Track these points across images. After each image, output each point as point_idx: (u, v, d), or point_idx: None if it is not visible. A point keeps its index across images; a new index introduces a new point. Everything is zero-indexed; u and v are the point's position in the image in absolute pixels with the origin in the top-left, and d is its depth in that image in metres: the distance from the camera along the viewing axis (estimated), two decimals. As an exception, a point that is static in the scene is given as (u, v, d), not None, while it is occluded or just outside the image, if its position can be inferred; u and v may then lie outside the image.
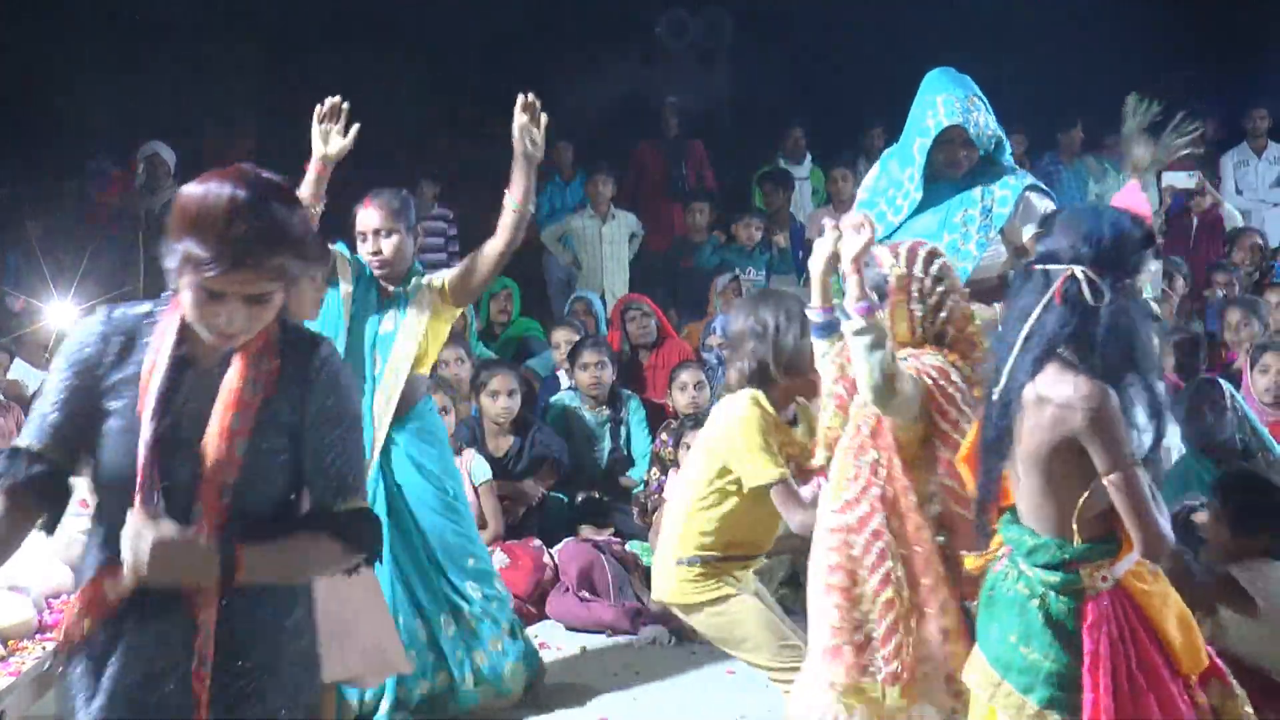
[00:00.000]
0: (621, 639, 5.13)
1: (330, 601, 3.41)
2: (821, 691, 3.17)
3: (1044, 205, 4.15)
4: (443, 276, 4.16)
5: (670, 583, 3.58)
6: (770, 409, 3.49)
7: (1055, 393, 2.51)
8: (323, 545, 2.21)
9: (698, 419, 5.31)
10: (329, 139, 3.92)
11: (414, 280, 4.14)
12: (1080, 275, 2.53)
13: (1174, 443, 5.02)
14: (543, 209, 9.44)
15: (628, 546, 5.59)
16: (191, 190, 2.09)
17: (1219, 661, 2.73)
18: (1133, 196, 3.55)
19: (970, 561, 2.85)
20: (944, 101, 4.08)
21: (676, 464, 5.45)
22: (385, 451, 4.11)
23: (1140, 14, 9.20)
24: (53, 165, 9.26)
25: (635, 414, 6.40)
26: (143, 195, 8.40)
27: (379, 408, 4.07)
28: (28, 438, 2.18)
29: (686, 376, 6.03)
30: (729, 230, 8.85)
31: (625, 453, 6.36)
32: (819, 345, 3.27)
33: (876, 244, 3.17)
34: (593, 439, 6.36)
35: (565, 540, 5.66)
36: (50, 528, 2.23)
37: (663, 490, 5.43)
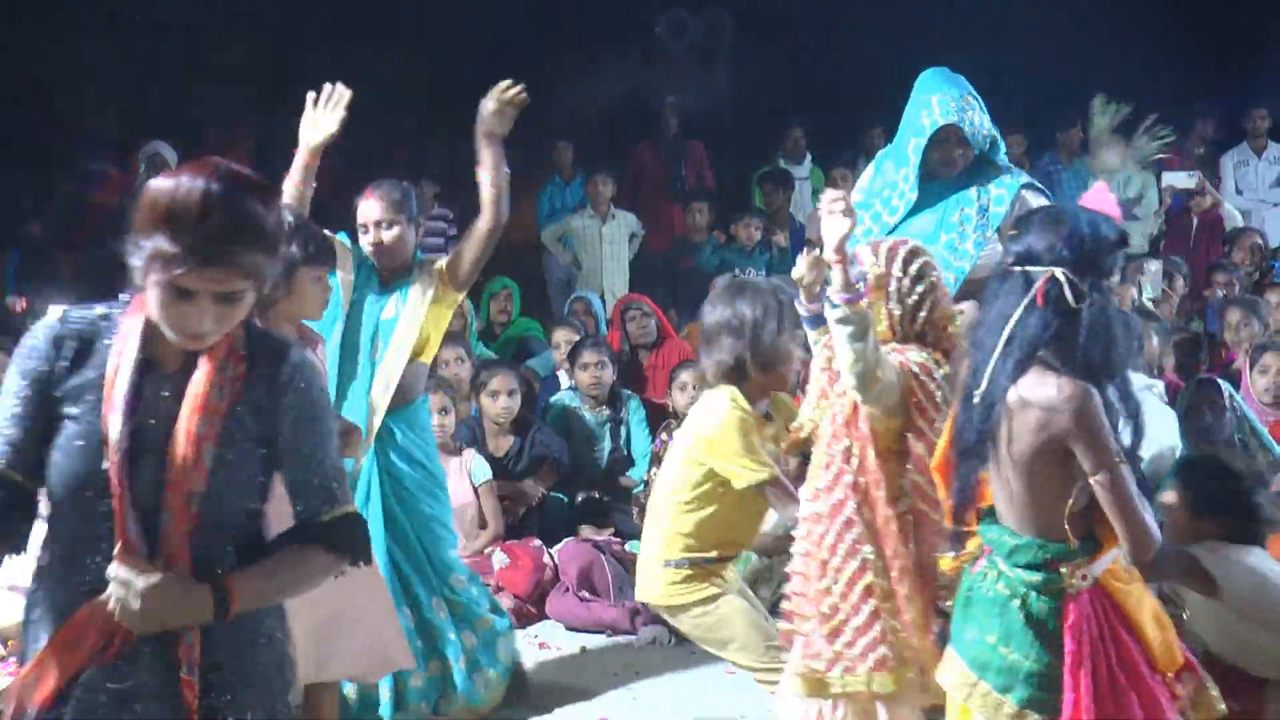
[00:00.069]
0: (621, 639, 5.13)
1: (332, 600, 3.44)
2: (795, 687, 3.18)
3: (1039, 204, 4.15)
4: (440, 260, 4.18)
5: (657, 585, 3.58)
6: (748, 406, 3.48)
7: (1039, 395, 2.51)
8: (313, 558, 2.17)
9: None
10: (315, 126, 3.91)
11: (415, 269, 4.15)
12: (1061, 277, 2.52)
13: (1173, 441, 5.02)
14: (543, 209, 9.46)
15: (628, 546, 5.59)
16: (162, 184, 2.01)
17: (1190, 654, 2.74)
18: (1101, 198, 3.55)
19: (946, 563, 2.85)
20: (939, 101, 4.08)
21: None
22: (380, 438, 4.11)
23: (1140, 14, 9.20)
24: (53, 165, 9.26)
25: (635, 414, 6.40)
26: (143, 195, 8.40)
27: (378, 393, 4.07)
28: None
29: (686, 376, 6.02)
30: (729, 230, 8.85)
31: (625, 453, 6.37)
32: (811, 335, 3.27)
33: (861, 244, 3.17)
34: (593, 439, 6.36)
35: (565, 540, 5.66)
36: (20, 548, 2.13)
37: (663, 490, 5.43)
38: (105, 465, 2.02)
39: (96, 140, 9.41)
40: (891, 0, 10.01)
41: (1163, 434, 5.17)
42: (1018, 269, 2.59)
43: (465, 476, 5.63)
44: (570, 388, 6.57)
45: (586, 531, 5.84)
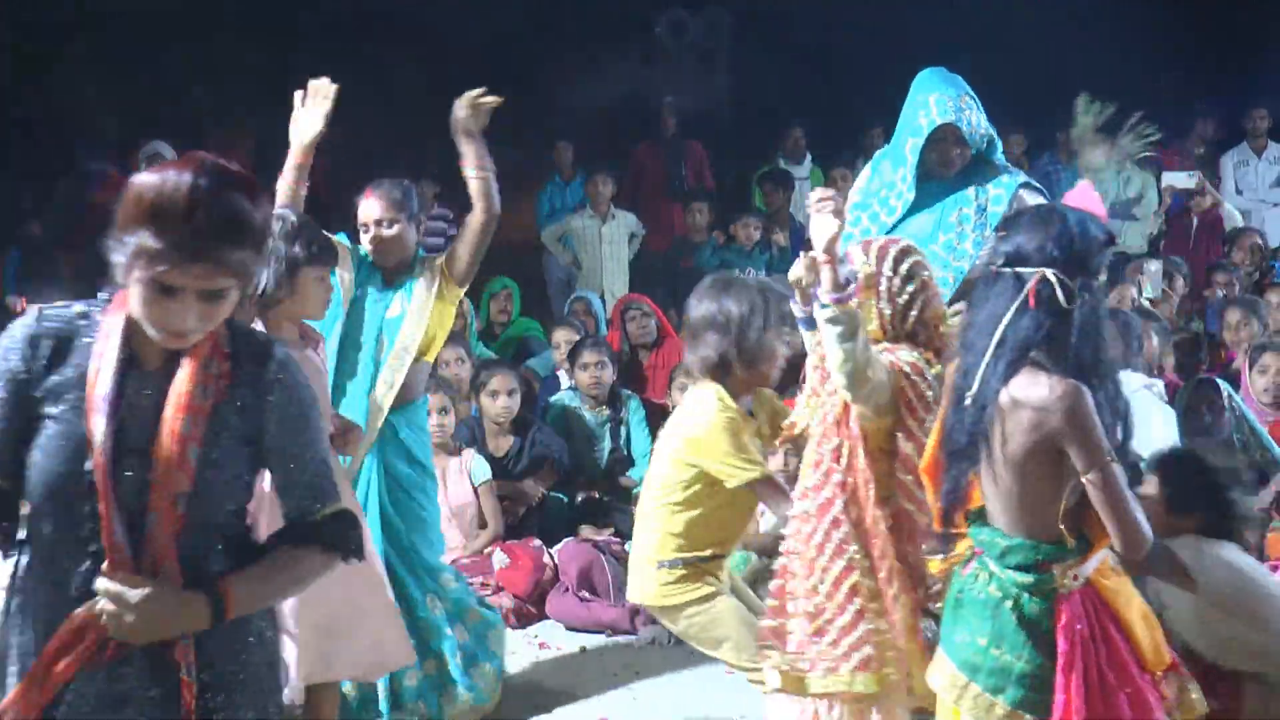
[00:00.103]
0: (621, 639, 5.13)
1: (335, 599, 3.45)
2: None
3: (1037, 203, 4.15)
4: (440, 255, 4.19)
5: (651, 586, 3.57)
6: (734, 404, 3.48)
7: (1031, 395, 2.52)
8: (307, 558, 2.16)
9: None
10: (303, 125, 3.90)
11: (417, 266, 4.16)
12: (1053, 278, 2.52)
13: (1173, 440, 5.02)
14: (543, 209, 9.47)
15: (627, 546, 5.58)
16: (147, 179, 1.97)
17: (1172, 653, 2.75)
18: (1086, 197, 3.56)
19: (935, 565, 2.85)
20: (936, 100, 4.08)
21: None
22: (382, 437, 4.11)
23: (1140, 14, 9.21)
24: (53, 165, 9.26)
25: (635, 414, 6.40)
26: (143, 195, 8.40)
27: (381, 391, 4.08)
28: None
29: (686, 377, 6.03)
30: (728, 230, 8.86)
31: (625, 453, 6.37)
32: (806, 337, 3.26)
33: (853, 243, 3.17)
34: (593, 439, 6.36)
35: (565, 540, 5.66)
36: (3, 551, 2.12)
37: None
38: (88, 466, 1.99)
39: (96, 140, 9.41)
40: (891, 0, 10.01)
41: (1162, 432, 5.17)
42: (1008, 270, 2.58)
43: (465, 476, 5.63)
44: (570, 388, 6.57)
45: (586, 531, 5.84)
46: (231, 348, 2.11)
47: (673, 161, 9.99)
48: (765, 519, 4.87)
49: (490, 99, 4.04)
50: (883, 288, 3.14)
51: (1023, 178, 4.22)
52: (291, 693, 3.44)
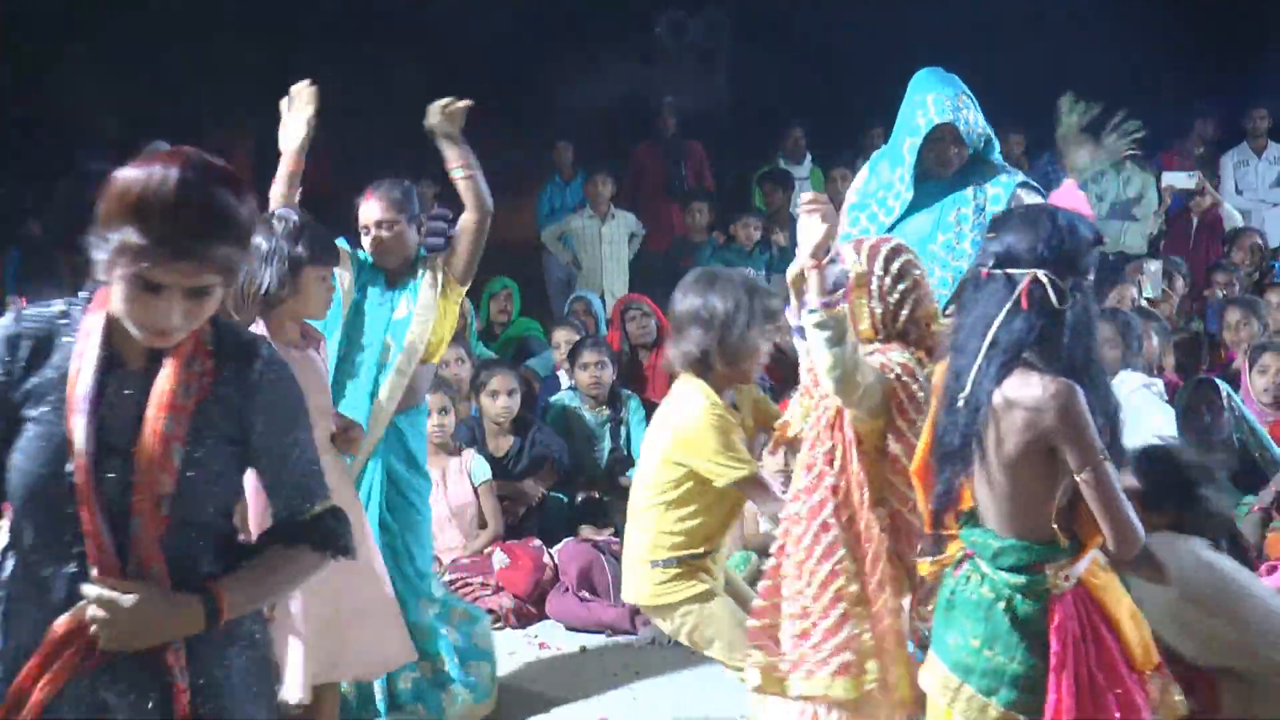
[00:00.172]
0: (621, 639, 5.14)
1: (338, 599, 3.47)
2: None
3: (1027, 204, 4.14)
4: (441, 254, 4.20)
5: (646, 585, 3.56)
6: (719, 399, 3.47)
7: (1024, 395, 2.52)
8: (299, 558, 2.13)
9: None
10: (289, 131, 3.90)
11: (420, 267, 4.17)
12: (1044, 278, 2.52)
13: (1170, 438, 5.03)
14: (543, 209, 9.47)
15: (627, 546, 5.59)
16: (131, 174, 1.93)
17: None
18: (1071, 197, 3.54)
19: (925, 568, 2.85)
20: (934, 100, 4.07)
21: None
22: (387, 439, 4.12)
23: (1140, 14, 9.21)
24: (53, 165, 9.26)
25: (635, 414, 6.40)
26: (143, 195, 8.40)
27: (387, 392, 4.08)
28: None
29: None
30: (728, 230, 8.86)
31: (625, 453, 6.36)
32: (799, 344, 3.26)
33: (843, 241, 3.17)
34: (593, 439, 6.36)
35: (565, 540, 5.66)
36: None
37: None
38: (69, 468, 1.95)
39: (96, 140, 9.41)
40: (891, 0, 10.01)
41: (1162, 431, 5.17)
42: (998, 272, 2.58)
43: (465, 476, 5.63)
44: (570, 388, 6.57)
45: (586, 531, 5.84)
46: (216, 346, 2.07)
47: (673, 161, 9.99)
48: (768, 519, 4.87)
49: (461, 103, 4.03)
50: (874, 286, 3.13)
51: (1021, 177, 4.22)
52: (298, 692, 3.45)
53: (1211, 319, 7.22)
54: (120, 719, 2.00)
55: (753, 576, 4.59)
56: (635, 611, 5.13)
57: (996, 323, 2.54)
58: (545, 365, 7.32)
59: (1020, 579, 2.58)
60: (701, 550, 3.53)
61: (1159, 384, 5.58)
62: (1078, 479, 2.51)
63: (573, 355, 6.44)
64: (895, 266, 3.14)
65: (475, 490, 5.63)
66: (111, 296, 1.96)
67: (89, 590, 1.93)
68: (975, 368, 2.55)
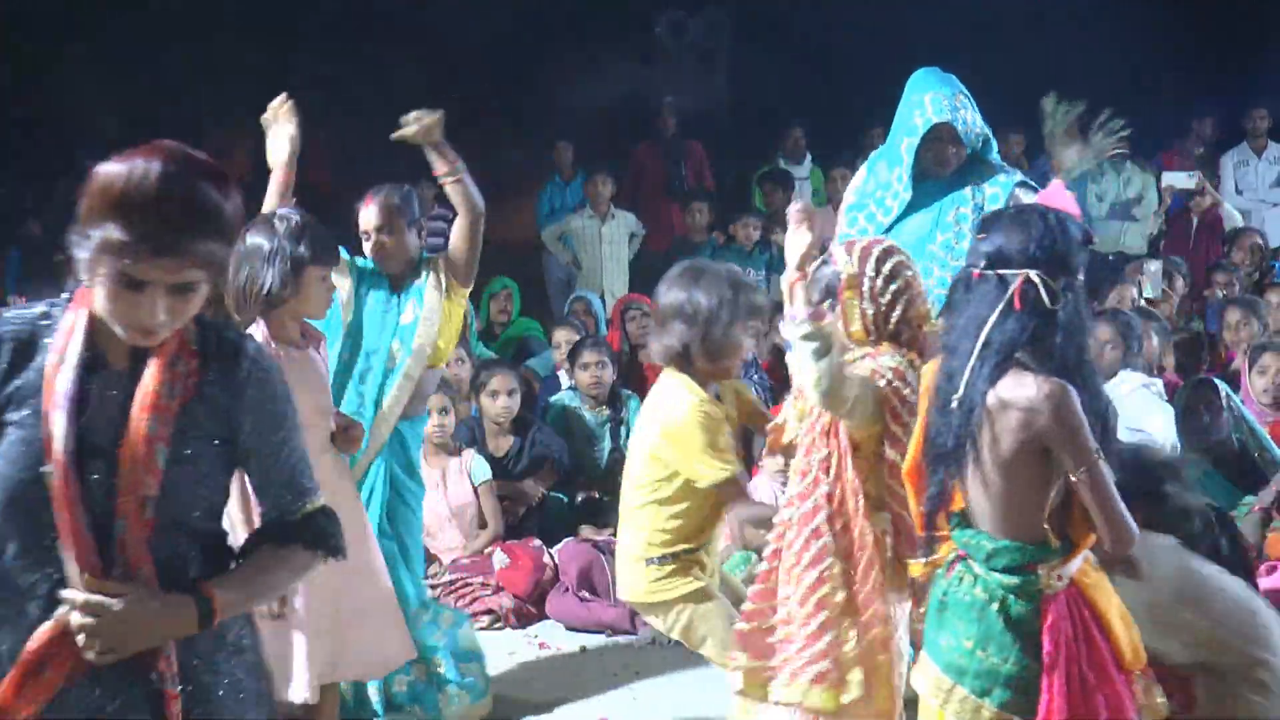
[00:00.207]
0: (621, 639, 5.14)
1: (341, 600, 3.47)
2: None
3: (1017, 204, 4.14)
4: (441, 255, 4.20)
5: (641, 583, 3.55)
6: (705, 394, 3.46)
7: (1018, 396, 2.52)
8: (291, 557, 2.10)
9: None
10: (274, 145, 3.90)
11: (423, 269, 4.17)
12: (1036, 279, 2.52)
13: (1172, 436, 5.03)
14: (543, 209, 9.47)
15: (627, 546, 5.59)
16: (113, 168, 1.88)
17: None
18: (1059, 197, 3.54)
19: (916, 569, 2.85)
20: (931, 99, 4.07)
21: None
22: (391, 444, 4.13)
23: (1140, 14, 9.21)
24: (53, 165, 9.27)
25: (635, 414, 6.38)
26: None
27: (394, 396, 4.09)
28: None
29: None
30: (728, 230, 8.86)
31: (625, 453, 6.35)
32: (789, 356, 3.26)
33: (836, 244, 3.17)
34: (593, 439, 6.36)
35: (565, 540, 5.66)
36: None
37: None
38: (48, 469, 1.89)
39: (96, 140, 9.41)
40: (891, 1, 10.01)
41: (1161, 430, 5.18)
42: (990, 272, 2.58)
43: (465, 476, 5.63)
44: (570, 388, 6.57)
45: (586, 531, 5.84)
46: (200, 345, 2.02)
47: (673, 161, 9.99)
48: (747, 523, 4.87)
49: (430, 116, 4.00)
50: (865, 288, 3.12)
51: (1019, 176, 4.22)
52: (305, 692, 3.46)
53: (1211, 319, 7.22)
54: None
55: (751, 577, 4.60)
56: (635, 612, 5.13)
57: (989, 323, 2.54)
58: (545, 365, 7.32)
59: (1013, 580, 2.58)
60: (695, 544, 3.53)
61: (1158, 384, 5.59)
62: (1073, 479, 2.52)
63: (573, 355, 6.44)
64: (887, 268, 3.14)
65: (475, 490, 5.63)
66: (94, 295, 1.91)
67: (72, 596, 1.88)
68: (969, 369, 2.55)
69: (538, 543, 5.59)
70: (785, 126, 9.97)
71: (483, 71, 10.14)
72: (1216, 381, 4.93)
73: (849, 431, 3.08)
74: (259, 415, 2.05)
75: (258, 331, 3.45)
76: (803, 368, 2.92)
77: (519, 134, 10.25)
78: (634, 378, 6.96)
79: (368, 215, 4.13)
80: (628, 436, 6.36)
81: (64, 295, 2.02)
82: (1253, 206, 9.48)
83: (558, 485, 6.12)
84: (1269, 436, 4.88)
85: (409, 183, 4.37)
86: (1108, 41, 9.14)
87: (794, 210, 3.01)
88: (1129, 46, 9.24)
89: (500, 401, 5.95)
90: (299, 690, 3.44)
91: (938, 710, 2.66)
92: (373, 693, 4.07)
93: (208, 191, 1.89)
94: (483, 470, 5.66)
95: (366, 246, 4.16)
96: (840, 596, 3.06)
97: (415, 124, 4.02)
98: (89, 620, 1.87)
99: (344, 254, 4.15)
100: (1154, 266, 7.51)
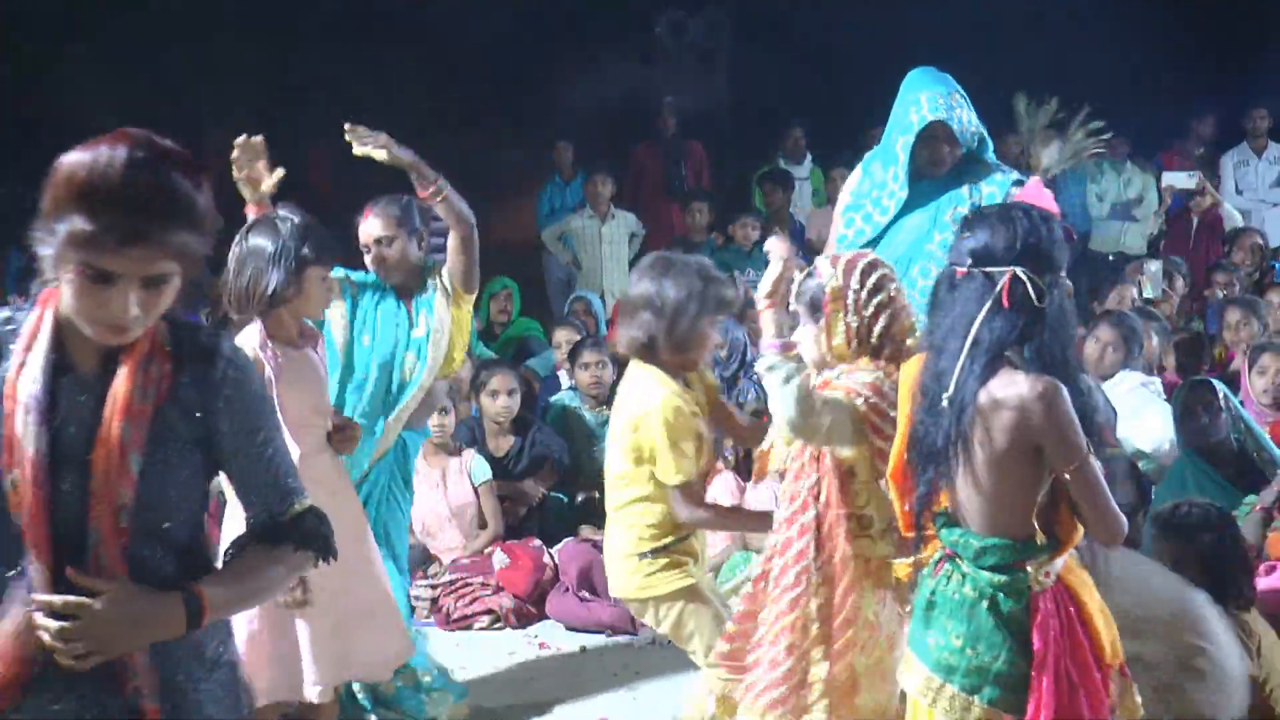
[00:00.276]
0: (621, 639, 5.14)
1: (344, 601, 3.48)
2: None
3: (997, 203, 4.13)
4: (442, 264, 4.20)
5: (634, 578, 3.55)
6: (676, 386, 3.46)
7: (1009, 394, 2.52)
8: (283, 559, 2.03)
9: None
10: (253, 180, 3.85)
11: (428, 280, 4.16)
12: (1024, 276, 2.53)
13: (1171, 435, 5.03)
14: (543, 209, 9.47)
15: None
16: (77, 157, 1.80)
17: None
18: (1037, 193, 3.53)
19: (902, 569, 2.85)
20: (927, 98, 4.07)
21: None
22: (394, 452, 4.16)
23: (1140, 14, 9.21)
24: (53, 165, 9.27)
25: (635, 414, 6.40)
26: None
27: (404, 408, 4.11)
28: None
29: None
30: (726, 231, 8.86)
31: (624, 452, 6.36)
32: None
33: (822, 256, 3.20)
34: (593, 439, 6.36)
35: (565, 540, 5.66)
36: None
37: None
38: (14, 477, 1.83)
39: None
40: (891, 1, 10.01)
41: (1159, 428, 5.18)
42: (976, 270, 2.58)
43: (465, 476, 5.64)
44: (570, 388, 6.58)
45: (586, 531, 5.84)
46: (173, 346, 1.94)
47: (673, 161, 10.00)
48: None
49: (373, 136, 3.90)
50: (849, 300, 3.12)
51: (1016, 175, 4.21)
52: (316, 690, 3.47)
53: (1211, 319, 7.22)
54: None
55: (749, 580, 4.60)
56: (635, 612, 5.13)
57: (978, 321, 2.55)
58: (545, 365, 7.32)
59: (1002, 577, 2.59)
60: (685, 531, 3.54)
61: (1156, 382, 5.59)
62: (1064, 475, 2.52)
63: (573, 355, 6.44)
64: (871, 280, 3.14)
65: (475, 490, 5.63)
66: (61, 294, 1.85)
67: (48, 598, 1.81)
68: (959, 367, 2.55)
69: (538, 543, 5.60)
70: (785, 126, 9.98)
71: (483, 71, 10.14)
72: (1214, 382, 4.92)
73: (839, 457, 3.08)
74: (238, 417, 1.98)
75: (255, 331, 3.45)
76: (771, 398, 2.95)
77: (519, 134, 10.25)
78: (634, 378, 6.95)
79: (368, 227, 4.13)
80: (628, 436, 6.37)
81: (30, 298, 1.96)
82: (1253, 206, 9.48)
83: (558, 485, 6.12)
84: (1268, 436, 4.88)
85: (406, 186, 4.36)
86: (1108, 41, 9.14)
87: (775, 243, 3.04)
88: (1129, 46, 9.23)
89: (500, 401, 5.95)
90: (312, 691, 3.46)
91: (927, 709, 2.67)
92: (358, 687, 4.09)
93: (177, 179, 1.81)
94: (483, 470, 5.67)
95: (368, 258, 4.15)
96: (815, 628, 3.07)
97: (370, 139, 3.93)
98: (66, 623, 1.80)
99: (339, 273, 4.10)
100: (1154, 266, 7.52)
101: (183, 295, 1.92)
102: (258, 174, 3.85)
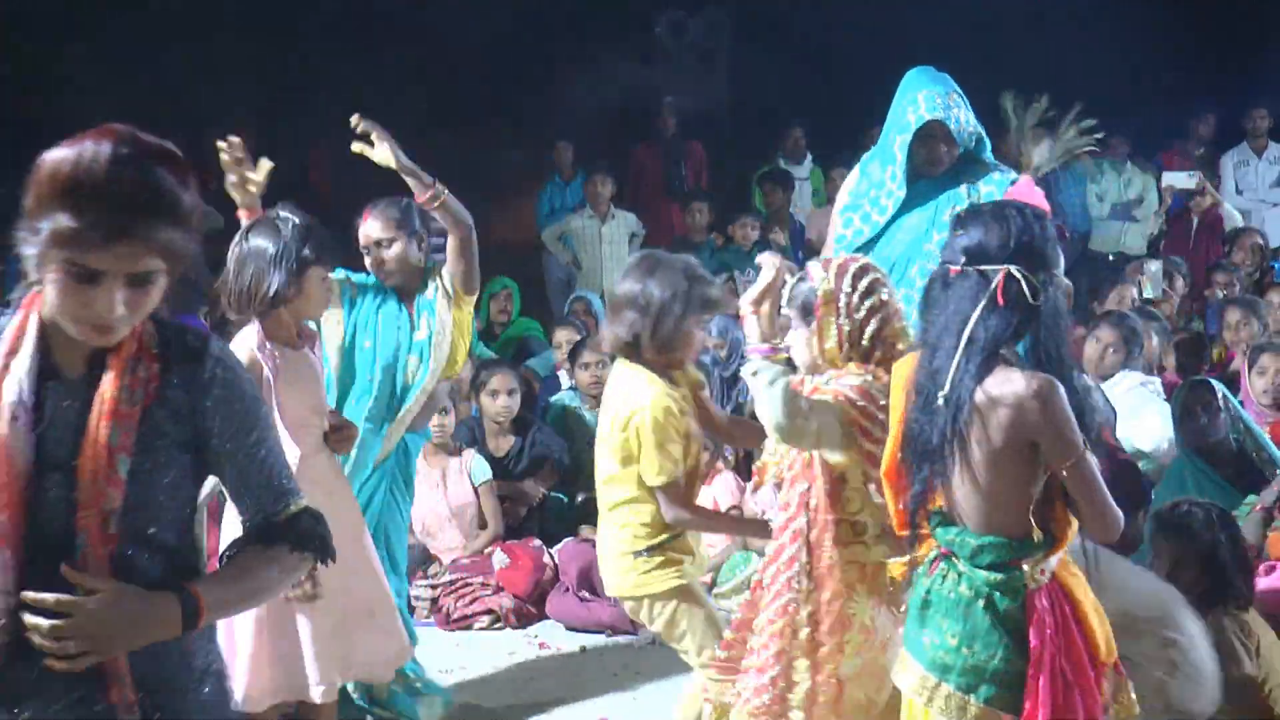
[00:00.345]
0: (621, 639, 5.14)
1: (345, 602, 3.48)
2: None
3: (989, 201, 4.12)
4: (442, 266, 4.19)
5: (629, 577, 3.54)
6: (664, 385, 3.45)
7: (1006, 392, 2.52)
8: (280, 560, 2.00)
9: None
10: (242, 183, 3.85)
11: (429, 282, 4.16)
12: (1018, 274, 2.53)
13: (1171, 434, 5.03)
14: (543, 209, 9.48)
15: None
16: (59, 153, 1.77)
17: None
18: (1028, 192, 3.52)
19: (896, 568, 2.85)
20: (925, 98, 4.07)
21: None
22: (396, 454, 4.16)
23: (1140, 14, 9.21)
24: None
25: (635, 414, 6.39)
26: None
27: (407, 411, 4.11)
28: None
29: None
30: (726, 231, 8.86)
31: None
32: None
33: (813, 260, 3.22)
34: (593, 439, 6.33)
35: (565, 540, 5.66)
36: None
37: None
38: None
39: (96, 140, 9.41)
40: (891, 1, 10.02)
41: (1158, 427, 5.18)
42: (970, 268, 2.58)
43: (465, 476, 5.63)
44: (570, 388, 6.58)
45: (586, 531, 5.83)
46: (160, 347, 1.90)
47: (673, 161, 10.00)
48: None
49: (382, 132, 3.91)
50: (841, 304, 3.12)
51: (1014, 175, 4.21)
52: (319, 689, 3.48)
53: (1211, 319, 7.22)
54: None
55: (748, 581, 4.60)
56: (635, 612, 5.13)
57: (973, 320, 2.54)
58: (545, 365, 7.32)
59: (998, 576, 2.59)
60: (670, 536, 3.53)
61: (1156, 382, 5.60)
62: (1061, 472, 2.53)
63: (573, 355, 6.44)
64: (863, 284, 3.13)
65: (475, 490, 5.63)
66: (45, 295, 1.80)
67: (39, 596, 1.77)
68: (954, 365, 2.55)
69: (538, 543, 5.59)
70: (785, 126, 9.99)
71: (483, 71, 10.14)
72: (1213, 382, 4.92)
73: (830, 463, 3.08)
74: (228, 417, 1.94)
75: (253, 331, 3.45)
76: (757, 404, 2.96)
77: (519, 134, 10.25)
78: (634, 378, 6.95)
79: (367, 229, 4.12)
80: (628, 436, 6.36)
81: (13, 301, 1.90)
82: (1253, 206, 9.48)
83: (558, 485, 6.12)
84: (1268, 436, 4.88)
85: (406, 187, 4.36)
86: (1108, 41, 9.14)
87: (768, 257, 3.08)
88: (1129, 46, 9.24)
89: (500, 401, 5.95)
90: (316, 691, 3.46)
91: (923, 708, 2.67)
92: (353, 692, 4.09)
93: (162, 175, 1.77)
94: (483, 470, 5.67)
95: (368, 260, 4.15)
96: (804, 634, 3.08)
97: (379, 134, 3.92)
98: (59, 621, 1.76)
99: (339, 274, 4.09)
100: (1154, 267, 7.52)
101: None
102: (245, 176, 3.84)
